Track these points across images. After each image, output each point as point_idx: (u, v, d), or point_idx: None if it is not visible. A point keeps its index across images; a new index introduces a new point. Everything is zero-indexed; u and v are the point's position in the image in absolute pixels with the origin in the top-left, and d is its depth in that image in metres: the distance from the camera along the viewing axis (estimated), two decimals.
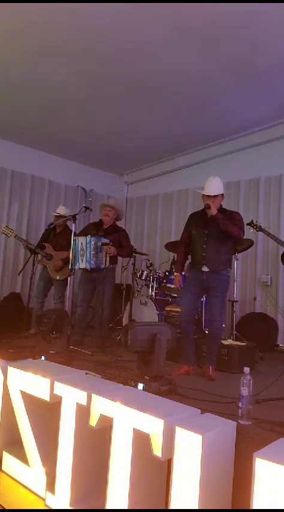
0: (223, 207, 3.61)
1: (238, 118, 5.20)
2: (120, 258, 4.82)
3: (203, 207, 3.56)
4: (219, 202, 3.52)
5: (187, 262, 3.81)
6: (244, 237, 5.07)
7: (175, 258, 4.11)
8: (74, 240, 4.11)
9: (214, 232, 3.48)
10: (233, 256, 4.84)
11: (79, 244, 4.31)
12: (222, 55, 3.94)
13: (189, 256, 3.73)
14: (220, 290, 3.47)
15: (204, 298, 4.35)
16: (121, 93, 4.72)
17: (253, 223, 4.73)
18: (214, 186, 3.50)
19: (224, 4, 3.19)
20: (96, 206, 5.42)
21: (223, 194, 3.56)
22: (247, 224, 4.66)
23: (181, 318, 3.59)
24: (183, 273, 3.90)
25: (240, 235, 3.53)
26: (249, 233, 4.75)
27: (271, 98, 4.70)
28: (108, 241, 4.33)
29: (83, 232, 4.59)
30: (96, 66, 4.20)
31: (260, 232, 4.77)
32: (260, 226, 4.74)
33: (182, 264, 3.75)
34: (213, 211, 3.41)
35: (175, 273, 3.86)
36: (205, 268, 3.45)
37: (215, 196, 3.46)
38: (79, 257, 4.31)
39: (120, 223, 4.92)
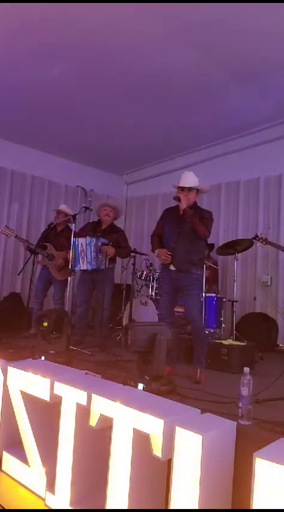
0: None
1: (238, 118, 5.20)
2: (118, 258, 4.81)
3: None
4: (193, 198, 3.39)
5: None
6: (244, 238, 5.14)
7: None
8: (73, 242, 4.10)
9: (185, 231, 3.33)
10: (234, 256, 4.85)
11: (80, 246, 4.28)
12: (222, 55, 3.94)
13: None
14: (193, 288, 3.32)
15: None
16: (121, 93, 4.72)
17: (257, 237, 4.57)
18: (188, 179, 3.37)
19: (225, 4, 3.20)
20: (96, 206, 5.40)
21: (198, 191, 3.42)
22: (253, 238, 4.59)
23: (161, 319, 3.50)
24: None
25: (205, 235, 3.37)
26: (254, 233, 4.71)
27: (271, 98, 4.70)
28: (107, 242, 4.31)
29: (82, 233, 4.55)
30: (96, 66, 4.21)
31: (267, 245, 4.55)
32: (266, 239, 4.55)
33: (159, 244, 3.50)
34: (182, 205, 3.28)
35: (157, 250, 3.49)
36: (172, 267, 3.33)
37: (189, 190, 3.34)
38: (80, 258, 4.29)
39: (119, 223, 4.91)
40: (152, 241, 3.62)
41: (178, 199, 3.32)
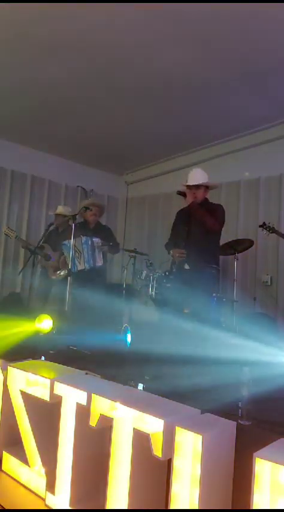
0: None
1: (238, 118, 5.21)
2: (110, 257, 4.81)
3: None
4: (202, 196, 3.38)
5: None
6: (245, 237, 5.14)
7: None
8: (64, 244, 4.10)
9: (195, 228, 3.32)
10: (234, 256, 4.85)
11: (74, 247, 4.26)
12: (222, 55, 3.94)
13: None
14: (205, 288, 3.28)
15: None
16: (121, 93, 4.72)
17: (265, 225, 4.45)
18: (194, 176, 3.35)
19: (225, 4, 3.20)
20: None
21: (207, 187, 3.39)
22: (260, 226, 4.53)
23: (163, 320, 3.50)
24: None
25: (215, 226, 3.34)
26: (254, 233, 4.70)
27: (271, 98, 4.71)
28: (100, 241, 4.33)
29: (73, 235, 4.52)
30: (96, 65, 4.21)
31: (273, 233, 4.44)
32: (273, 227, 4.42)
33: (174, 245, 3.50)
34: (188, 199, 3.26)
35: (171, 250, 3.49)
36: (186, 266, 3.31)
37: (197, 187, 3.33)
38: (76, 259, 4.28)
39: (120, 223, 4.92)
40: (167, 246, 3.61)
41: (182, 194, 3.30)
